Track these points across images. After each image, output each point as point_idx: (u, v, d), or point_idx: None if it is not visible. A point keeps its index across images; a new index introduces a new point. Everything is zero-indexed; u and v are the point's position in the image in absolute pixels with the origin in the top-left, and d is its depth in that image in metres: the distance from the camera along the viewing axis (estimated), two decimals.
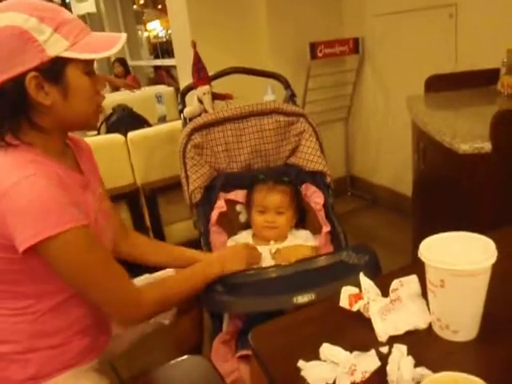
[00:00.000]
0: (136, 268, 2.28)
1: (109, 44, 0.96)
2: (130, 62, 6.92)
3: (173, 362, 0.73)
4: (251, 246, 1.41)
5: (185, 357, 0.75)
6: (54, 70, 0.91)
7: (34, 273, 0.95)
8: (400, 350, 0.67)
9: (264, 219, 1.51)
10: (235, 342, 1.24)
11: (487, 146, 1.28)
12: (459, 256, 0.66)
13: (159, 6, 7.89)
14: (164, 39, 8.27)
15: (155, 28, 9.15)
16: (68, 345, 1.04)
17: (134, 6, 7.96)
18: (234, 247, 1.44)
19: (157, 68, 7.14)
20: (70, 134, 1.09)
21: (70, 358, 1.05)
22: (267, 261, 1.41)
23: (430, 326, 0.73)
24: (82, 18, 8.04)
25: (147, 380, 0.72)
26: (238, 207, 1.67)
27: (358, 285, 0.80)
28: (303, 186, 1.68)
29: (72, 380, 1.04)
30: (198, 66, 1.71)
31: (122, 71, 6.04)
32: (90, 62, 0.96)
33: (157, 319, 1.30)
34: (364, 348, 0.69)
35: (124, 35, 0.98)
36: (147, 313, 1.06)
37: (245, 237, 1.55)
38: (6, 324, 0.99)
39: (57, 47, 0.90)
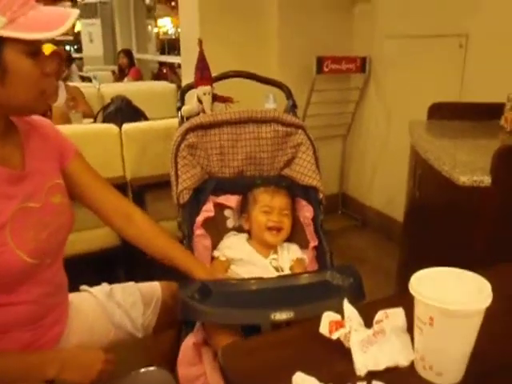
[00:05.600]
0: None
1: (57, 22, 0.80)
2: (136, 55, 6.90)
3: (133, 372, 0.68)
4: (108, 356, 0.98)
5: (146, 369, 0.69)
6: None
7: None
8: None
9: (269, 219, 1.49)
10: None
11: (487, 180, 1.25)
12: (452, 294, 0.62)
13: (172, 3, 7.88)
14: (173, 37, 8.29)
15: (165, 25, 9.16)
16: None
17: (147, 0, 7.95)
18: (86, 351, 1.02)
19: (162, 64, 7.12)
20: (33, 116, 0.99)
21: None
22: (271, 273, 1.39)
23: (413, 364, 0.68)
24: (94, 5, 8.01)
25: None
26: (227, 212, 1.62)
27: (340, 309, 0.76)
28: (294, 200, 1.63)
29: None
30: (202, 65, 1.67)
31: (126, 62, 6.02)
32: (34, 42, 0.81)
33: (129, 330, 1.20)
34: (340, 381, 0.64)
35: (76, 11, 0.83)
36: None
37: (239, 243, 1.51)
38: None
39: None
